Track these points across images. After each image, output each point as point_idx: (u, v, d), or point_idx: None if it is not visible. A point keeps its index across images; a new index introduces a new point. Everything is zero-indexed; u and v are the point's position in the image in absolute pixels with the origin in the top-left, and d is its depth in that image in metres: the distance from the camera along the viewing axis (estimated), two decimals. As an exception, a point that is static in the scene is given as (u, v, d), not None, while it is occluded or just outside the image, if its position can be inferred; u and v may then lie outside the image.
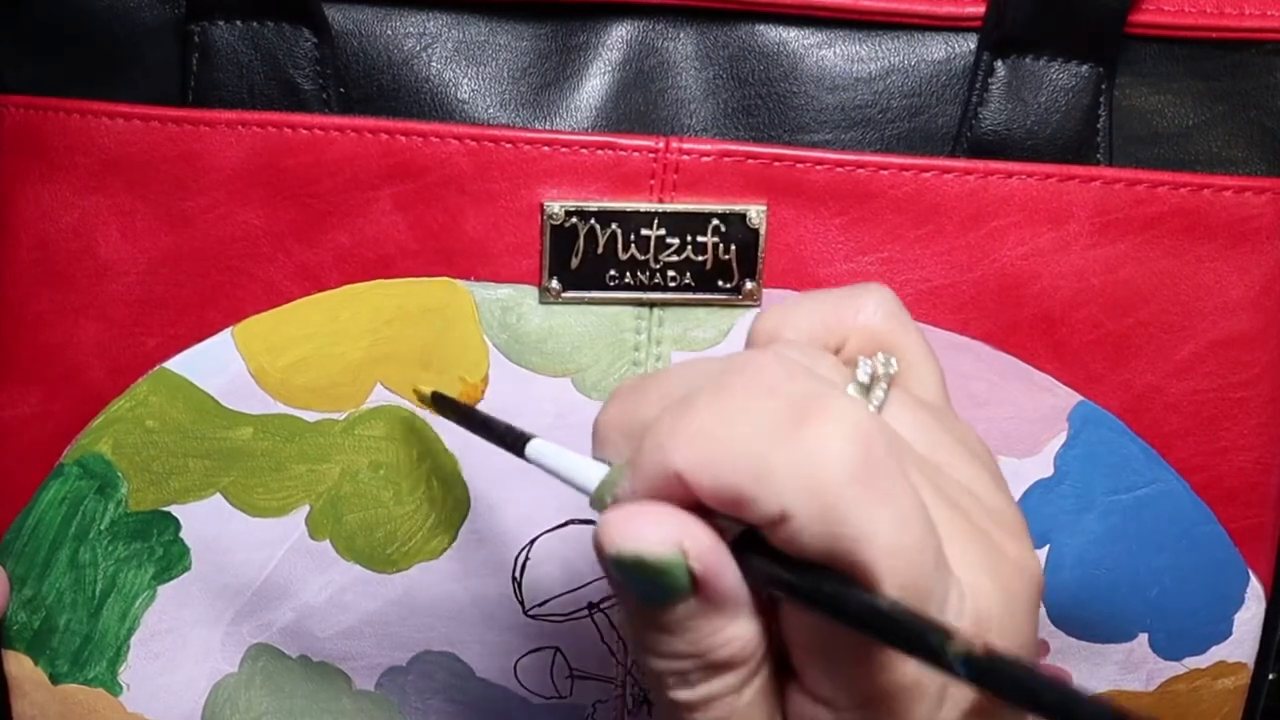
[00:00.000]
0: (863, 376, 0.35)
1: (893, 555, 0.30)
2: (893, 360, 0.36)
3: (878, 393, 0.34)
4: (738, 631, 0.32)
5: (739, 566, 0.32)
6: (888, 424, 0.33)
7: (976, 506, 0.34)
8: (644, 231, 0.45)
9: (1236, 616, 0.50)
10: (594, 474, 0.34)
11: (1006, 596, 0.33)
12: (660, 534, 0.31)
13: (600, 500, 0.33)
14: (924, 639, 0.28)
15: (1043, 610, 0.49)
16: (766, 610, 0.33)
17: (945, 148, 0.47)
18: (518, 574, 0.48)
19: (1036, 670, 0.27)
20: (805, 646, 0.33)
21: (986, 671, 0.28)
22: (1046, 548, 0.49)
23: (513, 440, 0.38)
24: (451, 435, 0.47)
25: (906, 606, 0.30)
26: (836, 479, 0.30)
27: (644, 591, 0.32)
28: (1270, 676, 0.54)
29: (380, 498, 0.47)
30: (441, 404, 0.45)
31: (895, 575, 0.30)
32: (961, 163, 0.45)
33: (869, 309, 0.36)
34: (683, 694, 0.33)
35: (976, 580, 0.32)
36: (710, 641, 0.33)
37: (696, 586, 0.32)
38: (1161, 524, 0.49)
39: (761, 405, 0.31)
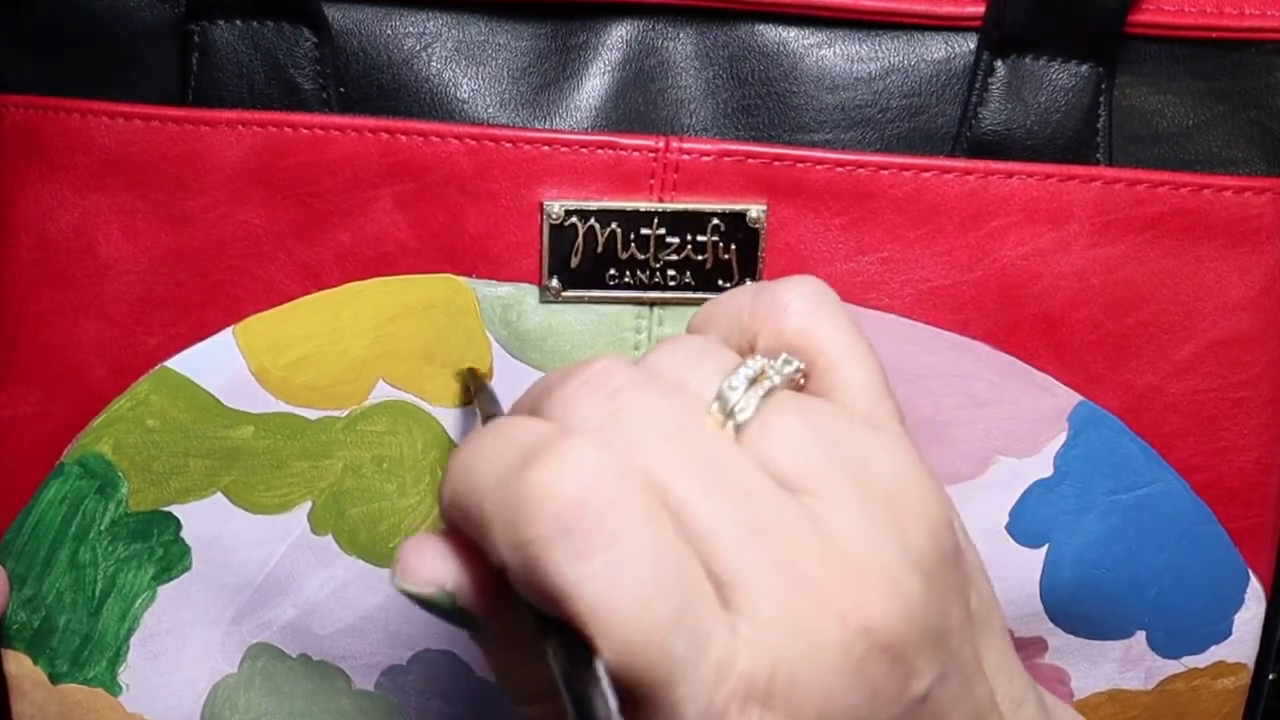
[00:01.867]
0: (736, 382, 0.32)
1: (603, 613, 0.28)
2: (793, 363, 0.33)
3: (750, 399, 0.32)
4: (538, 669, 0.32)
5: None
6: (636, 475, 0.30)
7: (812, 542, 0.30)
8: (644, 231, 0.45)
9: (1236, 617, 0.51)
10: None
11: (811, 649, 0.30)
12: (428, 572, 0.31)
13: None
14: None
15: (1041, 607, 0.49)
16: None
17: (945, 148, 0.47)
18: (518, 573, 0.48)
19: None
20: None
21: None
22: (1046, 547, 0.49)
23: None
24: (455, 427, 0.47)
25: (581, 682, 0.28)
26: (535, 531, 0.29)
27: (444, 621, 0.32)
28: (1270, 677, 0.54)
29: (384, 491, 0.47)
30: (477, 382, 0.45)
31: (609, 633, 0.28)
32: (961, 163, 0.45)
33: (788, 303, 0.34)
34: (520, 710, 0.34)
35: (770, 630, 0.30)
36: (517, 674, 0.33)
37: (476, 622, 0.32)
38: (1161, 524, 0.49)
39: (509, 444, 0.30)
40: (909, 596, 0.31)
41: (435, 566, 0.31)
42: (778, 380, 0.33)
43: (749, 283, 0.36)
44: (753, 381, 0.32)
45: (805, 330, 0.34)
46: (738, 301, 0.35)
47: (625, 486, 0.29)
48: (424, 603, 0.32)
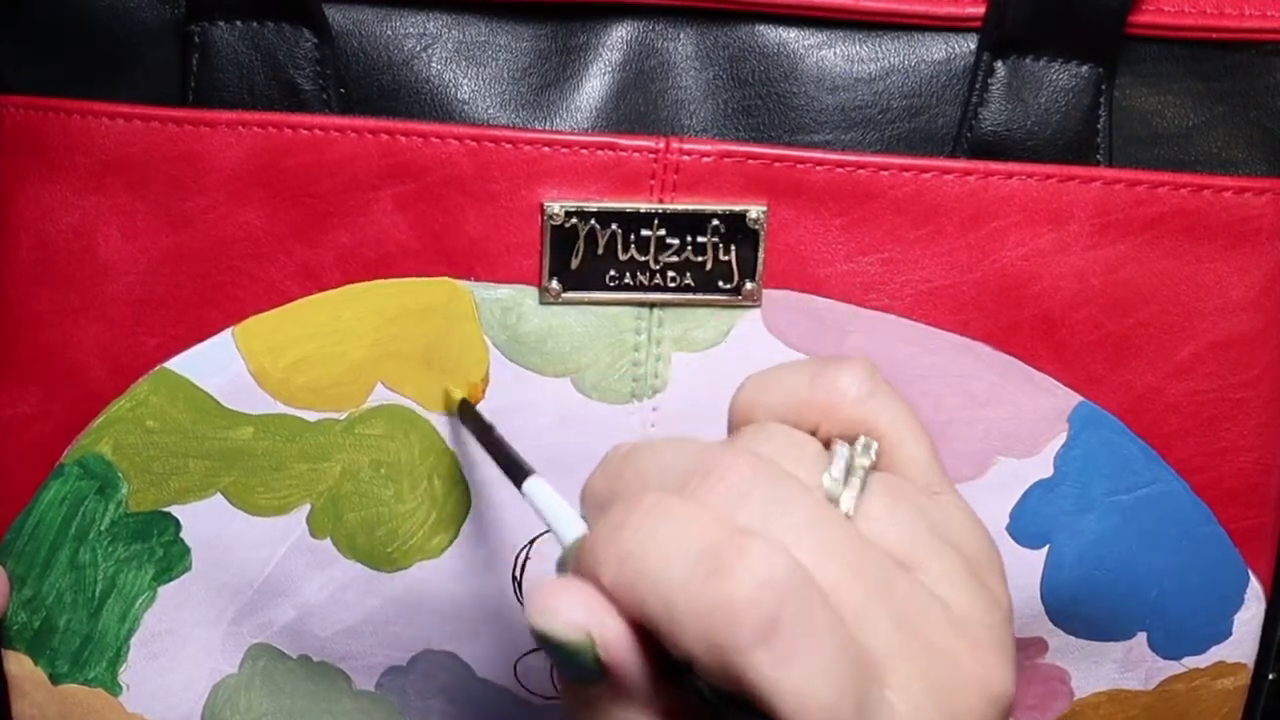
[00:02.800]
0: (837, 473, 0.34)
1: (804, 710, 0.30)
2: (872, 446, 0.35)
3: (852, 488, 0.34)
4: None
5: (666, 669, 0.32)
6: (806, 572, 0.31)
7: (938, 615, 0.33)
8: (644, 232, 0.45)
9: (1236, 617, 0.51)
10: (573, 531, 0.35)
11: (950, 715, 0.32)
12: (574, 617, 0.32)
13: (562, 566, 0.34)
14: None
15: (1041, 608, 0.49)
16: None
17: (945, 148, 0.47)
18: (518, 573, 0.48)
19: None
20: None
21: None
22: (1046, 548, 0.49)
23: (514, 471, 0.39)
24: (453, 433, 0.47)
25: None
26: (738, 640, 0.30)
27: (562, 666, 0.33)
28: (1270, 677, 0.54)
29: (381, 496, 0.47)
30: (466, 413, 0.45)
31: None
32: (962, 163, 0.45)
33: (845, 387, 0.36)
34: None
35: (915, 703, 0.32)
36: None
37: (605, 674, 0.32)
38: (1161, 525, 0.49)
39: (686, 540, 0.31)
40: (1012, 657, 0.34)
41: (576, 612, 0.32)
42: (867, 465, 0.34)
43: (799, 361, 0.37)
44: (849, 470, 0.34)
45: (865, 417, 0.36)
46: (793, 387, 0.36)
47: (807, 587, 0.31)
48: (554, 645, 0.32)
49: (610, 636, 0.32)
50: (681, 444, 0.34)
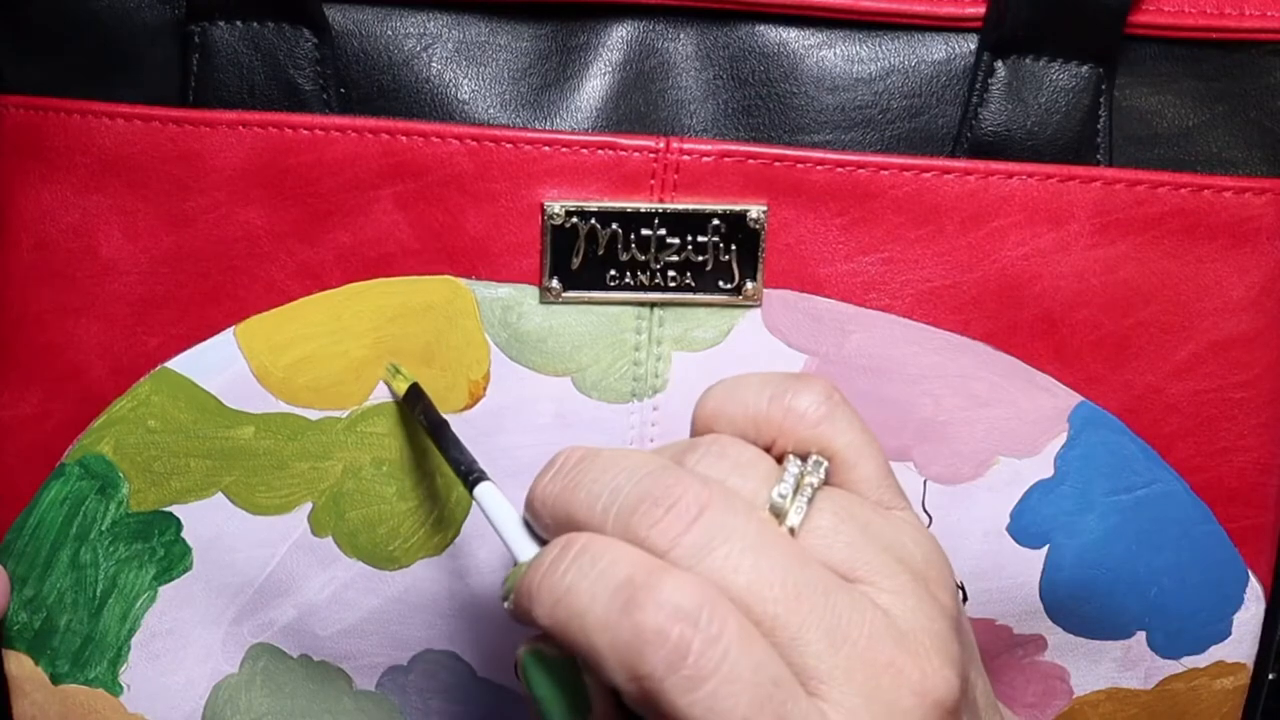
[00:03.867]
0: (785, 490, 0.36)
1: None
2: (823, 465, 0.37)
3: (799, 505, 0.35)
4: None
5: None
6: (721, 599, 0.33)
7: (879, 627, 0.34)
8: (644, 231, 0.45)
9: (1236, 616, 0.51)
10: (523, 545, 0.38)
11: None
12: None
13: (505, 593, 0.37)
14: None
15: (1040, 606, 0.49)
16: None
17: (945, 148, 0.47)
18: (519, 573, 0.48)
19: None
20: None
21: None
22: (1046, 547, 0.49)
23: (465, 471, 0.41)
24: (455, 431, 0.47)
25: None
26: (652, 670, 0.32)
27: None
28: (1270, 676, 0.54)
29: (383, 494, 0.47)
30: (414, 399, 0.45)
31: None
32: (962, 163, 0.45)
33: (803, 409, 0.37)
34: None
35: (851, 712, 0.33)
36: None
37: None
38: (1161, 524, 0.49)
39: (609, 579, 0.33)
40: (958, 660, 0.35)
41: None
42: (815, 483, 0.36)
43: (762, 375, 0.38)
44: (796, 488, 0.36)
45: (822, 435, 0.37)
46: (753, 402, 0.38)
47: (722, 617, 0.33)
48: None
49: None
50: (633, 463, 0.35)
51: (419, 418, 0.45)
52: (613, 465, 0.35)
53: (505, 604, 0.37)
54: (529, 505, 0.37)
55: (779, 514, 0.35)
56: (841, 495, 0.36)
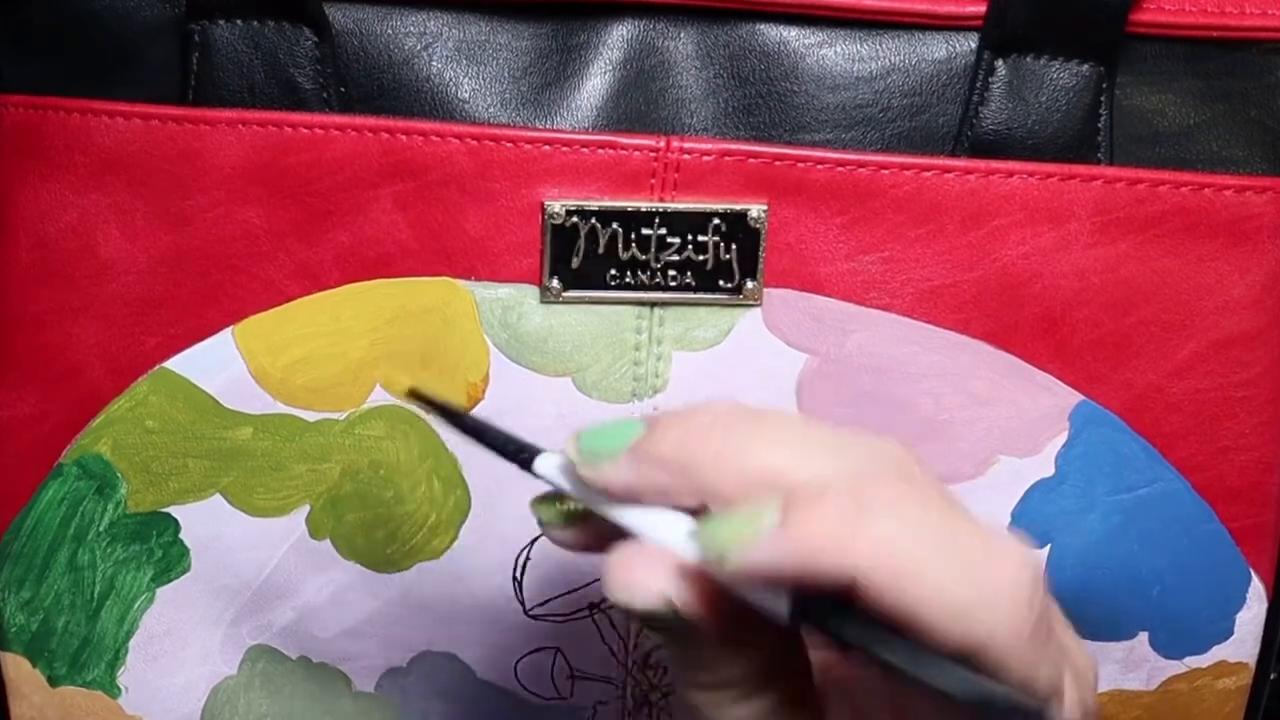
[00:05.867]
0: None
1: (1070, 688, 0.33)
2: None
3: None
4: (729, 664, 0.34)
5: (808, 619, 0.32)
6: None
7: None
8: (645, 231, 0.45)
9: (1238, 616, 0.51)
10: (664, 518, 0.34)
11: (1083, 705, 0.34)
12: (655, 588, 0.33)
13: (730, 543, 0.32)
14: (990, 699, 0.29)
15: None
16: (778, 642, 0.35)
17: (946, 147, 0.47)
18: (518, 574, 0.48)
19: None
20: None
21: None
22: (1048, 547, 0.49)
23: (516, 455, 0.37)
24: (452, 434, 0.47)
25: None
26: (1023, 626, 0.31)
27: (644, 622, 0.34)
28: (1272, 676, 0.54)
29: (381, 497, 0.47)
30: (419, 399, 0.43)
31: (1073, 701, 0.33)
32: (962, 162, 0.45)
33: None
34: (685, 694, 0.36)
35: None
36: (700, 666, 0.35)
37: (693, 628, 0.33)
38: (1163, 524, 0.49)
39: (955, 527, 0.31)
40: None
41: (659, 580, 0.33)
42: None
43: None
44: None
45: None
46: None
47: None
48: (641, 614, 0.33)
49: (690, 599, 0.32)
50: (818, 433, 0.33)
51: (440, 414, 0.42)
52: (789, 429, 0.33)
53: (719, 558, 0.32)
54: (682, 462, 0.33)
55: None
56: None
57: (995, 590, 0.30)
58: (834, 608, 0.31)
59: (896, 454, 0.33)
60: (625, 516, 0.34)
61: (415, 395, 0.42)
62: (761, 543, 0.31)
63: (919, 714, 0.34)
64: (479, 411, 0.47)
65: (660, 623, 0.33)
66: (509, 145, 0.45)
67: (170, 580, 0.48)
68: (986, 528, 0.31)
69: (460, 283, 0.46)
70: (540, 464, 0.36)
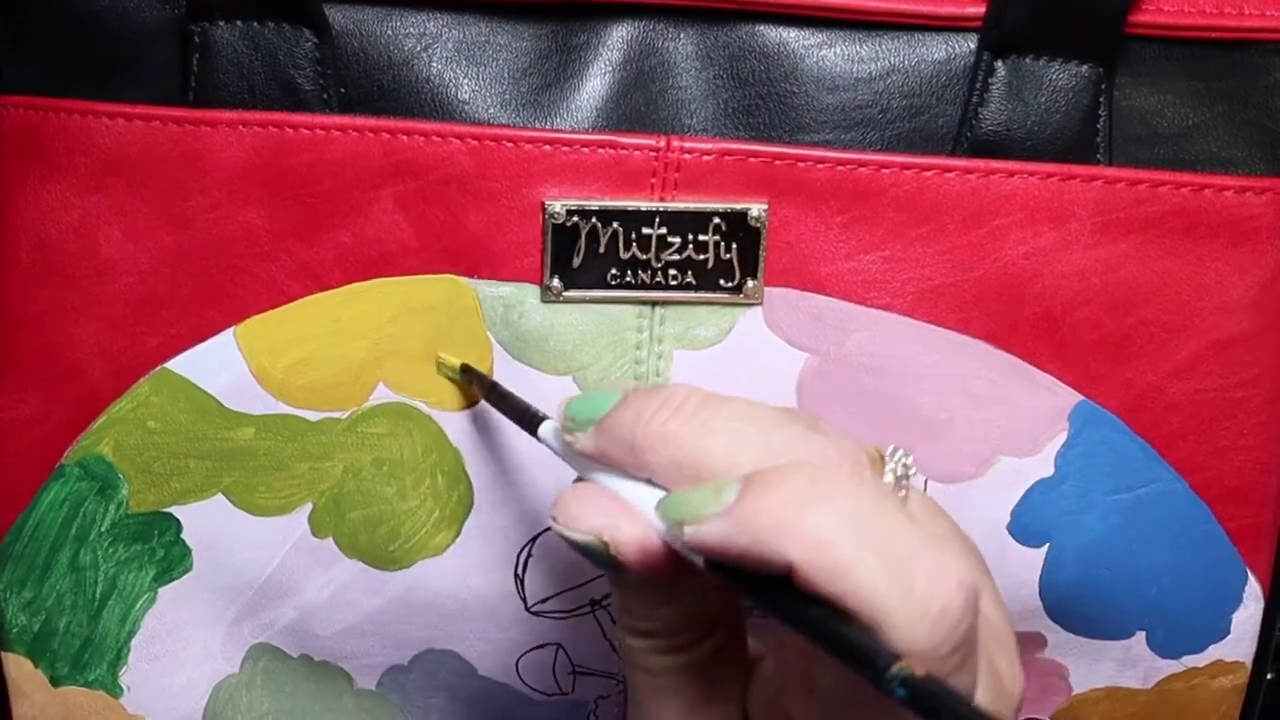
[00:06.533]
0: (889, 477, 0.36)
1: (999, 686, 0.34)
2: (909, 457, 0.36)
3: (900, 490, 0.36)
4: (663, 612, 0.36)
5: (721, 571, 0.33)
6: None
7: (985, 626, 0.35)
8: (645, 230, 0.45)
9: (1235, 616, 0.51)
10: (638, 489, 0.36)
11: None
12: (592, 523, 0.35)
13: (685, 517, 0.34)
14: (873, 658, 0.30)
15: (1040, 604, 0.49)
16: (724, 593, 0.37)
17: (946, 148, 0.47)
18: (520, 570, 0.48)
19: (973, 704, 0.29)
20: (825, 693, 0.35)
21: (924, 694, 0.29)
22: (1046, 546, 0.49)
23: (528, 422, 0.40)
24: (456, 430, 0.47)
25: (865, 634, 0.31)
26: (941, 644, 0.31)
27: (586, 559, 0.35)
28: (1269, 675, 0.54)
29: (383, 494, 0.47)
30: (468, 374, 0.45)
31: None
32: (963, 162, 0.46)
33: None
34: (623, 638, 0.38)
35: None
36: (636, 611, 0.37)
37: (623, 569, 0.35)
38: (1161, 523, 0.49)
39: (898, 533, 0.32)
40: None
41: (598, 517, 0.35)
42: (911, 473, 0.37)
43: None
44: (897, 478, 0.36)
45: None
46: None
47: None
48: (572, 544, 0.35)
49: (624, 539, 0.34)
50: (769, 419, 0.34)
51: (476, 389, 0.45)
52: (750, 418, 0.34)
53: (675, 531, 0.34)
54: (628, 440, 0.35)
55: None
56: (921, 504, 0.37)
57: (923, 604, 0.31)
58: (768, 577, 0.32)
59: (852, 454, 0.34)
60: (604, 481, 0.36)
61: (467, 371, 0.45)
62: (714, 521, 0.32)
63: (832, 679, 0.35)
64: (481, 409, 0.47)
65: (596, 559, 0.35)
66: (510, 145, 0.45)
67: (172, 580, 0.48)
68: (937, 542, 0.31)
69: (464, 280, 0.46)
70: (543, 429, 0.39)
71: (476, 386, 0.45)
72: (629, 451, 0.35)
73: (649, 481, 0.35)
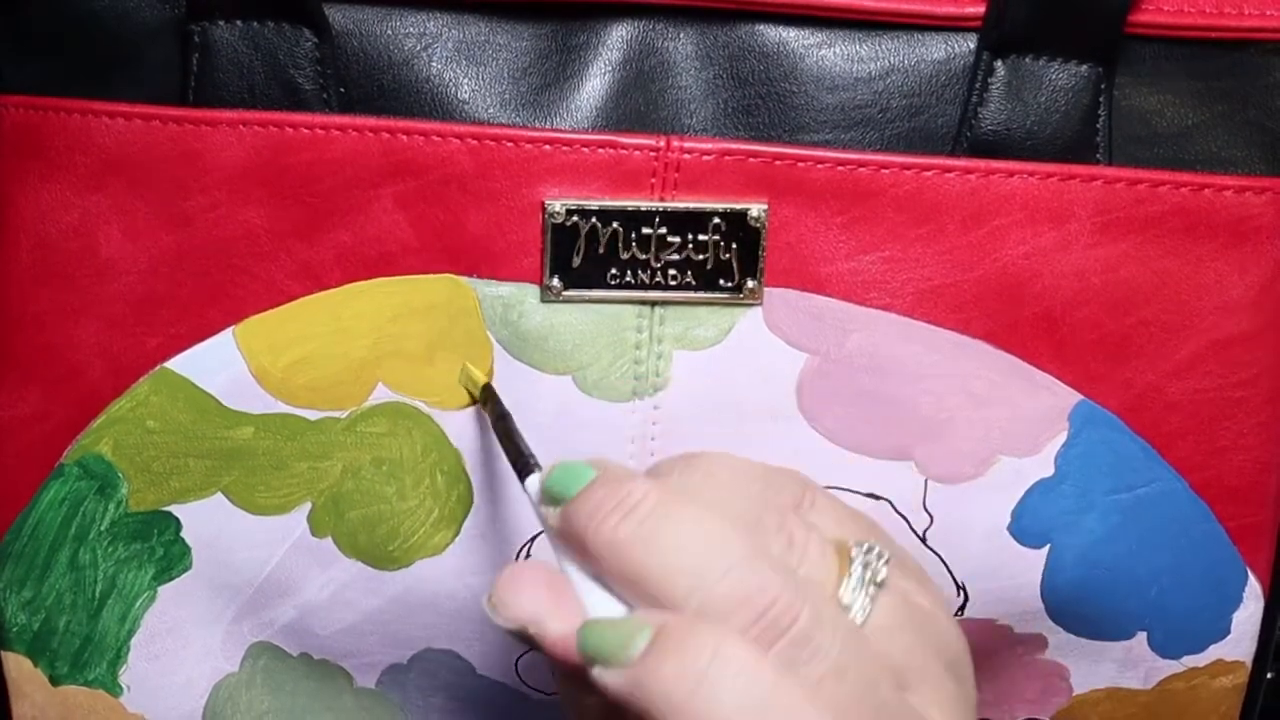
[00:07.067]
0: (852, 587, 0.35)
1: None
2: (885, 558, 0.36)
3: (863, 600, 0.35)
4: (591, 701, 0.36)
5: None
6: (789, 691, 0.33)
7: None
8: (645, 230, 0.45)
9: (1235, 615, 0.51)
10: (592, 592, 0.36)
11: None
12: (519, 615, 0.35)
13: (594, 658, 0.34)
14: None
15: (1041, 606, 0.49)
16: None
17: (945, 147, 0.47)
18: (519, 571, 0.48)
19: None
20: None
21: None
22: (1047, 547, 0.49)
23: (520, 464, 0.40)
24: (456, 430, 0.47)
25: None
26: None
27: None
28: (1269, 675, 0.54)
29: (383, 494, 0.47)
30: (487, 396, 0.45)
31: None
32: (962, 162, 0.46)
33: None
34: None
35: None
36: (565, 685, 0.37)
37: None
38: (1161, 523, 0.49)
39: (791, 711, 0.32)
40: None
41: (527, 608, 0.35)
42: (880, 580, 0.35)
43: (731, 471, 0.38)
44: (862, 583, 0.35)
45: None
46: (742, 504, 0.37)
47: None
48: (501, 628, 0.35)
49: (549, 639, 0.34)
50: (716, 543, 0.34)
51: (488, 412, 0.45)
52: (694, 538, 0.34)
53: (589, 664, 0.35)
54: (581, 538, 0.35)
55: (845, 609, 0.35)
56: (899, 593, 0.36)
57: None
58: None
59: (780, 605, 0.33)
60: (563, 562, 0.36)
61: (488, 391, 0.45)
62: (616, 671, 0.33)
63: None
64: (480, 409, 0.47)
65: (527, 645, 0.35)
66: (509, 145, 0.45)
67: (172, 579, 0.48)
68: None
69: (464, 279, 0.46)
70: (529, 482, 0.38)
71: (489, 409, 0.45)
72: (582, 549, 0.35)
73: (599, 579, 0.35)
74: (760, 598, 0.33)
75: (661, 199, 0.45)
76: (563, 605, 0.35)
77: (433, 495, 0.47)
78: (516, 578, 0.35)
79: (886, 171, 0.45)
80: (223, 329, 0.46)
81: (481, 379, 0.46)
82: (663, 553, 0.34)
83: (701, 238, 0.46)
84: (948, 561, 0.48)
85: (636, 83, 0.47)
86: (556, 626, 0.34)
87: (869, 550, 0.36)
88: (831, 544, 0.36)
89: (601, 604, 0.35)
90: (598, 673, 0.33)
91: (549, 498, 0.36)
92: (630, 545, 0.34)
